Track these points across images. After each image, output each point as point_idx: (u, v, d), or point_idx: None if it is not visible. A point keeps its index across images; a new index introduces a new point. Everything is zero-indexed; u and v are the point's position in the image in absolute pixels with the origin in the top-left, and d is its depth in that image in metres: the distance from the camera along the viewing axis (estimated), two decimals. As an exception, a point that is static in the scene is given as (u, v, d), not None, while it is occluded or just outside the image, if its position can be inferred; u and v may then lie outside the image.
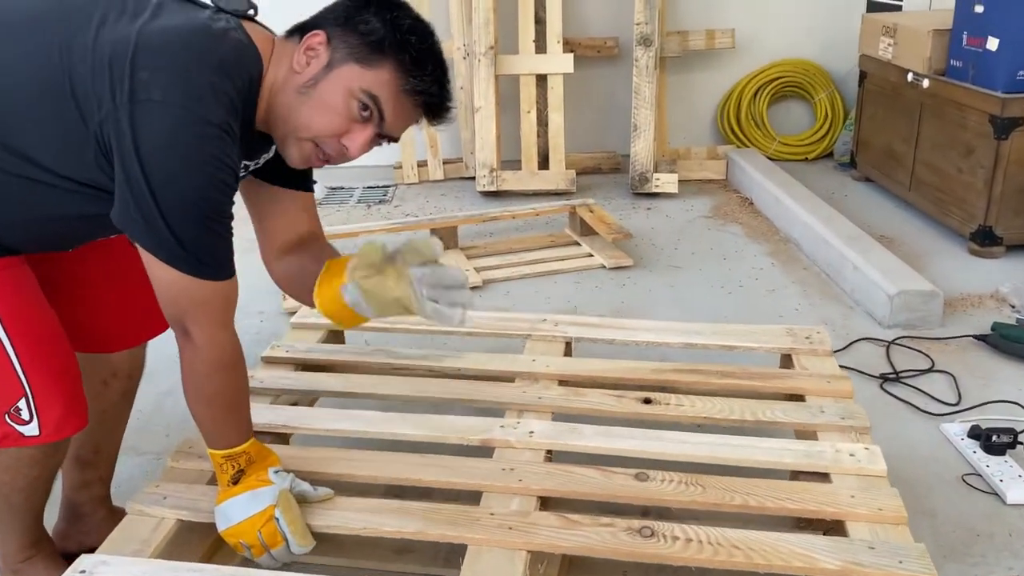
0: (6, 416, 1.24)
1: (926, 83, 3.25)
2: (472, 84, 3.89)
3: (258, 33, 1.24)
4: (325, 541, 1.59)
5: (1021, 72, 2.83)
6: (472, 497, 1.37)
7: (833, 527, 1.33)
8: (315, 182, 1.51)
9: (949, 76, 3.15)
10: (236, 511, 1.28)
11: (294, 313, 2.05)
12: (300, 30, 1.24)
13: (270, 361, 1.80)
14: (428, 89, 1.21)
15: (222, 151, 1.14)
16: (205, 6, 1.24)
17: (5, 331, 1.22)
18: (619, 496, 1.35)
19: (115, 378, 1.52)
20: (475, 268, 2.98)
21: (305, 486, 1.35)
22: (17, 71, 1.13)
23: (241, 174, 1.30)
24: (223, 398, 1.27)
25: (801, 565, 1.19)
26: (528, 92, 3.90)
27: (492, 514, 1.30)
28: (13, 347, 1.22)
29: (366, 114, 1.20)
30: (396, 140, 1.28)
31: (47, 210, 1.20)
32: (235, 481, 1.30)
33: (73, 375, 1.30)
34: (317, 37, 1.20)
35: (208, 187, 1.14)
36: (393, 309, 1.30)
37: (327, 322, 1.95)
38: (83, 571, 1.18)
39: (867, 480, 1.37)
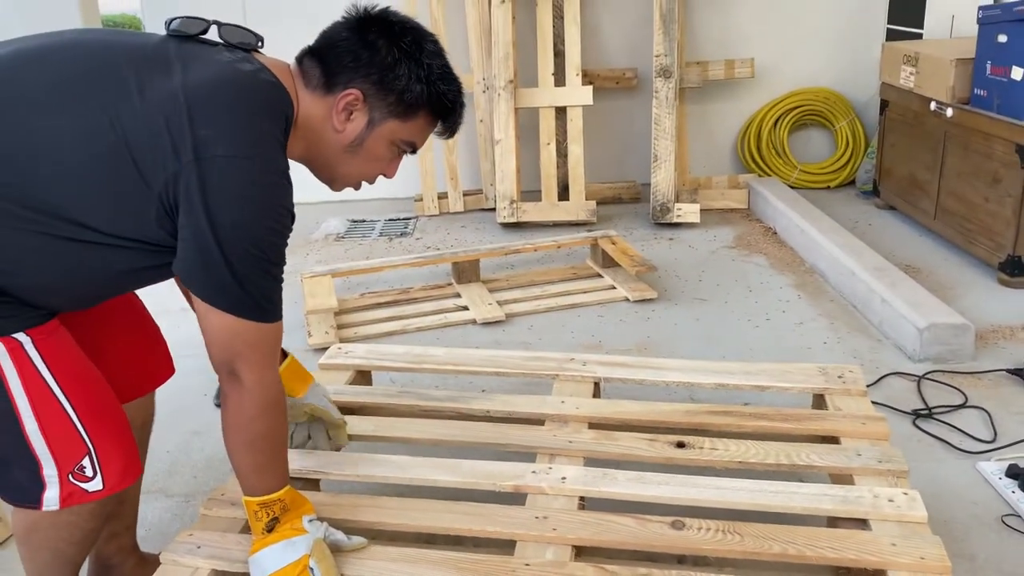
0: (70, 476, 1.26)
1: (950, 112, 3.23)
2: (492, 117, 3.91)
3: (276, 67, 1.27)
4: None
5: (1047, 102, 2.82)
6: (506, 545, 1.36)
7: (874, 576, 1.31)
8: None
9: (973, 105, 3.14)
10: (271, 561, 1.27)
11: (321, 350, 2.05)
12: (325, 71, 1.25)
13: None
14: (456, 121, 1.34)
15: (284, 196, 1.19)
16: (215, 44, 1.25)
17: (64, 393, 1.23)
18: (655, 545, 1.33)
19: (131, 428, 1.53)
20: (498, 301, 2.98)
21: (339, 535, 1.34)
22: (65, 144, 1.14)
23: None
24: (267, 441, 1.27)
25: (844, 618, 1.17)
26: (548, 124, 3.92)
27: (527, 564, 1.29)
28: (73, 408, 1.24)
29: (406, 151, 1.33)
30: None
31: (93, 268, 1.22)
32: (269, 529, 1.29)
33: (125, 425, 1.33)
34: (351, 95, 1.24)
35: (273, 233, 1.19)
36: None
37: (355, 362, 1.96)
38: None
39: (908, 527, 1.35)
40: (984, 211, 3.08)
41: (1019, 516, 1.79)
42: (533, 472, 1.52)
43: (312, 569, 1.26)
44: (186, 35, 1.24)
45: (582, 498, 1.47)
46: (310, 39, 1.31)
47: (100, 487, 1.27)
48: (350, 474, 1.54)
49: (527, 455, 1.60)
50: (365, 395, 1.85)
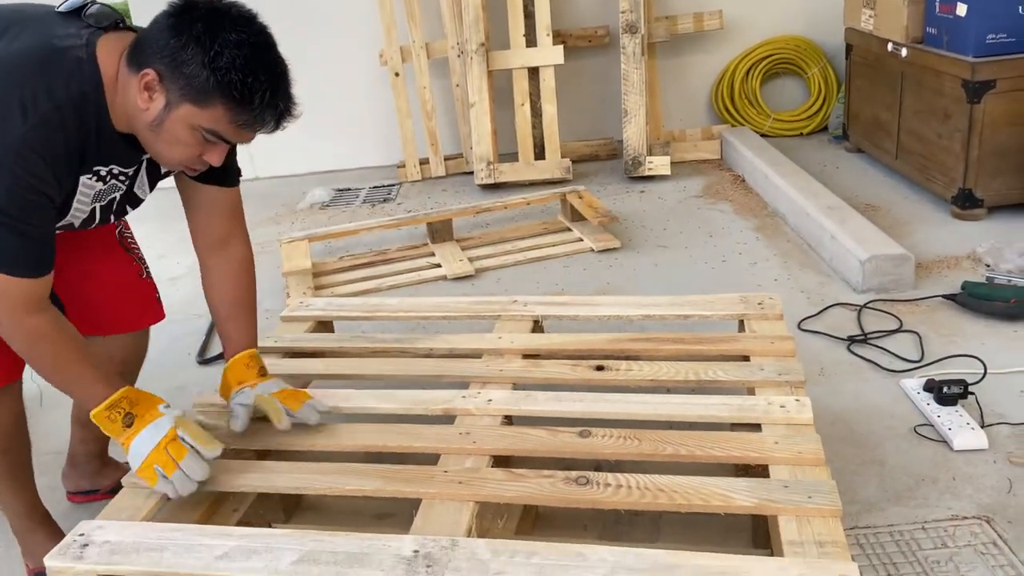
0: None
1: (904, 52, 3.30)
2: (466, 81, 4.02)
3: (110, 44, 1.37)
4: (308, 510, 1.76)
5: (991, 36, 2.88)
6: (433, 460, 1.51)
7: (763, 472, 1.44)
8: (240, 177, 1.66)
9: (926, 44, 3.21)
10: (142, 445, 1.39)
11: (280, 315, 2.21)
12: (135, 48, 1.36)
13: (262, 351, 1.95)
14: (259, 118, 1.32)
15: (19, 166, 1.29)
16: (78, 21, 1.39)
17: None
18: (563, 451, 1.47)
19: (110, 361, 1.71)
20: (469, 258, 3.12)
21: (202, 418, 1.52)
22: None
23: (111, 180, 1.49)
24: (48, 369, 1.42)
25: (719, 504, 1.30)
26: (521, 85, 4.02)
27: (446, 471, 1.44)
28: None
29: (213, 139, 1.35)
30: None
31: None
32: (129, 425, 1.42)
33: None
34: (148, 75, 1.31)
35: (4, 195, 1.29)
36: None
37: (314, 314, 2.12)
38: (82, 534, 1.34)
39: (794, 428, 1.47)
40: (938, 147, 3.16)
41: (931, 425, 1.92)
42: (463, 397, 1.66)
43: (183, 438, 1.40)
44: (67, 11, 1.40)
45: (508, 417, 1.61)
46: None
47: None
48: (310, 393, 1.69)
49: (462, 384, 1.74)
50: (320, 341, 2.00)
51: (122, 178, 1.52)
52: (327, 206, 4.02)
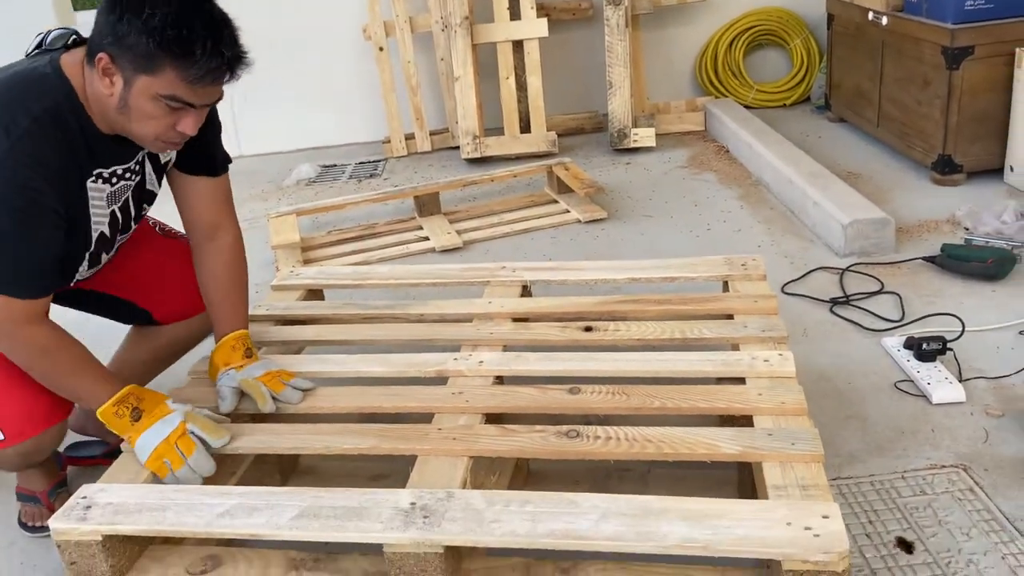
0: None
1: (885, 20, 3.33)
2: (451, 55, 4.02)
3: (73, 58, 1.44)
4: (304, 474, 1.79)
5: (969, 3, 2.92)
6: (427, 419, 1.54)
7: (748, 423, 1.49)
8: (228, 164, 1.72)
9: (906, 12, 3.24)
10: (151, 439, 1.43)
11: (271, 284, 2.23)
12: (88, 45, 1.41)
13: (252, 319, 1.98)
14: (209, 67, 1.33)
15: (10, 182, 1.34)
16: (41, 54, 1.48)
17: None
18: (553, 408, 1.51)
19: (174, 344, 1.91)
20: (457, 231, 3.14)
21: (207, 411, 1.54)
22: None
23: (120, 182, 1.55)
24: (53, 378, 1.49)
25: (705, 452, 1.35)
26: (505, 59, 4.03)
27: (440, 429, 1.47)
28: None
29: (178, 106, 1.37)
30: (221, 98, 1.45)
31: None
32: (137, 419, 1.46)
33: (24, 387, 1.54)
34: (103, 60, 1.36)
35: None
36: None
37: (305, 283, 2.14)
38: (84, 496, 1.37)
39: (777, 381, 1.52)
40: (918, 115, 3.20)
41: (911, 381, 1.97)
42: (455, 359, 1.70)
43: (192, 431, 1.44)
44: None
45: (499, 377, 1.65)
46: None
47: (2, 437, 1.54)
48: (294, 371, 1.72)
49: (453, 348, 1.77)
50: (312, 308, 2.03)
51: (128, 176, 1.57)
52: (313, 182, 4.03)
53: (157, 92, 1.35)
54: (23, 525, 1.79)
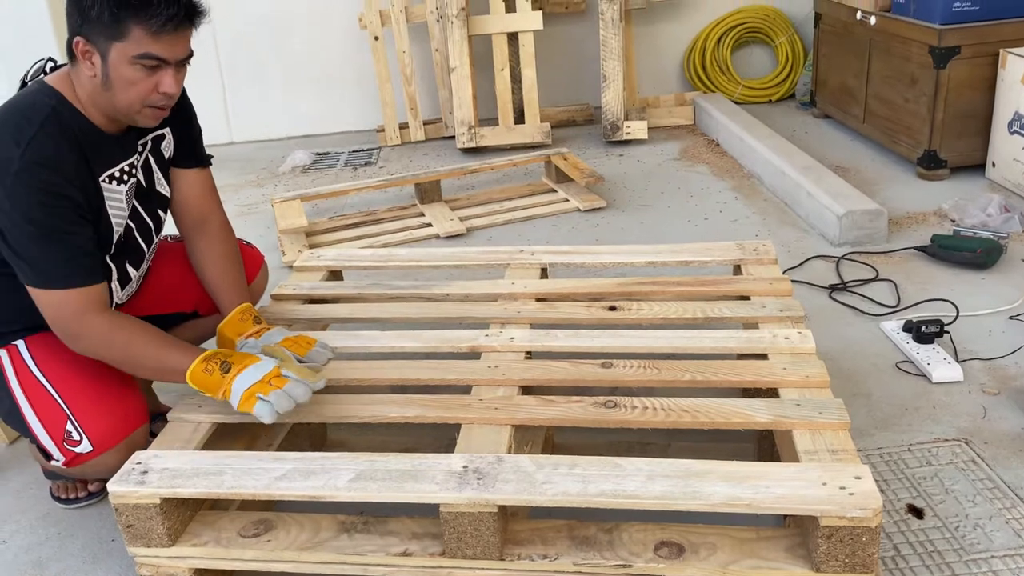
0: (64, 444, 1.56)
1: (873, 20, 3.45)
2: (446, 46, 4.07)
3: (56, 75, 1.54)
4: (335, 448, 1.84)
5: (956, 4, 3.04)
6: (464, 391, 1.60)
7: (772, 395, 1.57)
8: (211, 157, 1.83)
9: (894, 12, 3.36)
10: (246, 380, 1.45)
11: (294, 265, 2.27)
12: (68, 45, 1.49)
13: (279, 298, 2.02)
14: (169, 14, 1.42)
15: (31, 179, 1.42)
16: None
17: (39, 368, 1.57)
18: (587, 380, 1.58)
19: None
20: (459, 218, 3.19)
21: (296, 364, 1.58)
22: None
23: (130, 179, 1.62)
24: (132, 363, 1.53)
25: (739, 420, 1.43)
26: (501, 50, 4.08)
27: (481, 400, 1.53)
28: (46, 379, 1.56)
29: (153, 64, 1.46)
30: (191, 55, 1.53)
31: (18, 290, 1.52)
32: (227, 371, 1.48)
33: (109, 397, 1.58)
34: (80, 43, 1.45)
35: (40, 208, 1.43)
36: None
37: (326, 264, 2.18)
38: (139, 462, 1.41)
39: (799, 356, 1.60)
40: (904, 111, 3.32)
41: (911, 361, 2.07)
42: (486, 335, 1.76)
43: (287, 375, 1.47)
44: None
45: (528, 352, 1.71)
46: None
47: (90, 448, 1.55)
48: (313, 337, 1.76)
49: (482, 325, 1.83)
50: (339, 288, 2.07)
51: (133, 171, 1.63)
52: (309, 169, 4.04)
53: (131, 55, 1.43)
54: (56, 498, 1.81)
